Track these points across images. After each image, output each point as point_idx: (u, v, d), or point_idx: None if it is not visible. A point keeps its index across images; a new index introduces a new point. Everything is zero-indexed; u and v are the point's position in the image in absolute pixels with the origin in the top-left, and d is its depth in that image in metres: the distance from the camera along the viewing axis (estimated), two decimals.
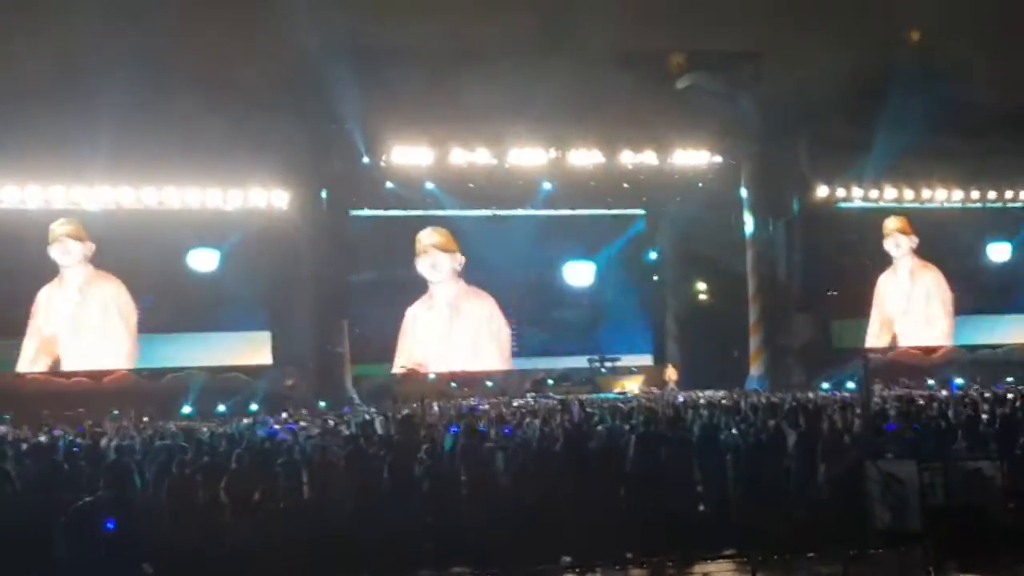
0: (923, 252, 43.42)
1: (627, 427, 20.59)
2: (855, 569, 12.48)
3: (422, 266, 40.89)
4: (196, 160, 34.61)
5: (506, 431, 20.22)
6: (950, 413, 21.58)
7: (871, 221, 42.58)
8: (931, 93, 35.03)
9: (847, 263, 42.02)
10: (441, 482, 17.29)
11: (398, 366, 40.06)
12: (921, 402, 24.86)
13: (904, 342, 42.91)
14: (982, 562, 14.90)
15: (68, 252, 36.47)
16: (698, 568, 14.96)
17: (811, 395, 31.95)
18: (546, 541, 15.52)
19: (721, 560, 15.17)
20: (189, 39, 32.50)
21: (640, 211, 42.97)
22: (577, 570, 14.86)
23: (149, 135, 32.82)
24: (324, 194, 36.73)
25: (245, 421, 26.37)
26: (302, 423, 25.44)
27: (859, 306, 42.42)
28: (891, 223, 43.18)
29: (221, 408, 33.53)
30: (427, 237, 40.85)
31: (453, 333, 41.15)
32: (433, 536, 16.05)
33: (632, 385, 38.58)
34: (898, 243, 43.39)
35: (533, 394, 37.17)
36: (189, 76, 32.81)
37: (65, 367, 36.17)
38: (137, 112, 31.98)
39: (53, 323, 36.35)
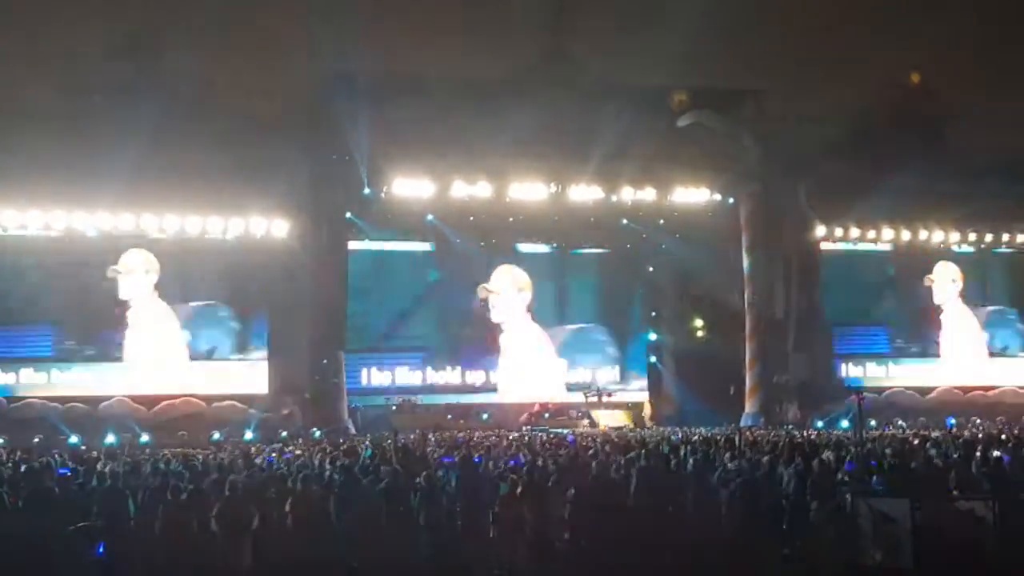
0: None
1: (622, 460, 20.62)
2: None
3: (495, 304, 41.28)
4: (198, 189, 34.66)
5: (513, 463, 20.24)
6: (933, 452, 21.55)
7: (870, 261, 42.60)
8: (929, 136, 35.23)
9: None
10: (438, 512, 17.34)
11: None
12: (916, 442, 24.85)
13: (947, 382, 43.08)
14: None
15: (137, 284, 36.84)
16: None
17: (806, 433, 31.97)
18: (539, 569, 15.53)
19: None
20: (194, 71, 32.67)
21: (638, 247, 42.91)
22: None
23: (153, 165, 32.87)
24: (324, 224, 36.64)
25: (240, 448, 26.29)
26: (297, 451, 25.42)
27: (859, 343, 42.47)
28: (942, 268, 43.48)
29: (216, 435, 33.53)
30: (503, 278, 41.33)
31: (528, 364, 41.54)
32: (432, 566, 16.05)
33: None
34: (945, 288, 43.61)
35: (529, 427, 37.20)
36: (192, 107, 32.99)
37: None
38: (142, 142, 32.09)
39: None
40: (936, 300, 43.84)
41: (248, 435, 33.30)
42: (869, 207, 40.01)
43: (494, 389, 41.05)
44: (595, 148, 36.02)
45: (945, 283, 43.89)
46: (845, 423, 35.73)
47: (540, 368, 41.48)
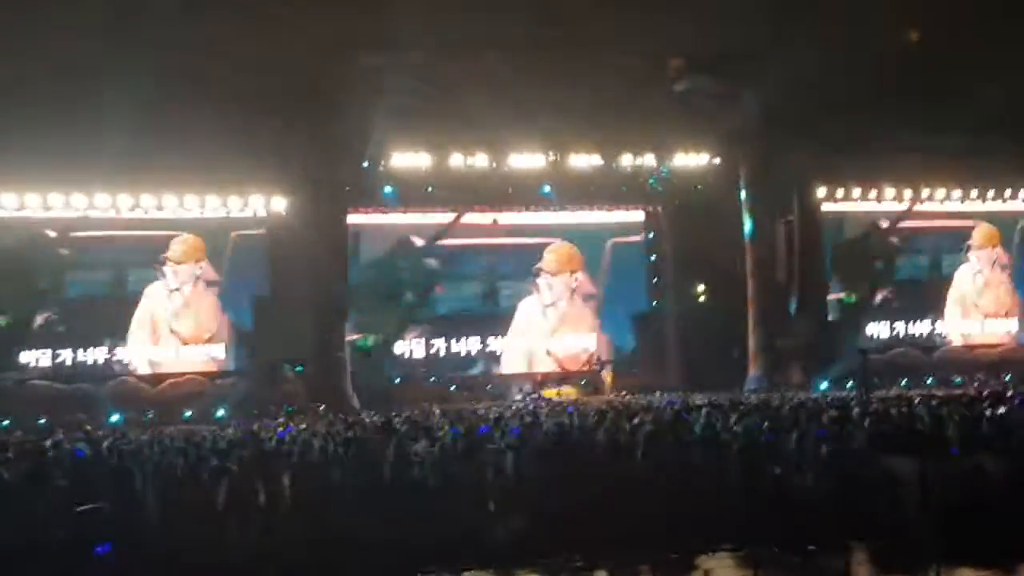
0: None
1: (628, 427, 20.64)
2: (856, 565, 12.46)
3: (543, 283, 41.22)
4: (194, 166, 34.56)
5: (514, 432, 20.25)
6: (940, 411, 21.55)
7: (870, 221, 42.50)
8: (930, 91, 35.07)
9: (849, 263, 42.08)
10: (444, 483, 17.36)
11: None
12: (917, 400, 24.85)
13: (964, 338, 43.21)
14: (983, 558, 14.92)
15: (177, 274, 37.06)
16: (700, 562, 14.95)
17: (811, 395, 31.99)
18: (551, 540, 15.53)
19: (722, 554, 15.15)
20: (188, 44, 32.45)
21: (639, 214, 42.79)
22: (581, 567, 14.84)
23: (148, 142, 32.71)
24: (322, 199, 36.55)
25: (243, 425, 26.31)
26: (302, 426, 25.43)
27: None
28: (981, 233, 43.44)
29: (220, 412, 33.61)
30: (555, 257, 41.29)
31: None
32: (436, 536, 16.04)
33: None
34: (985, 254, 43.70)
35: (533, 395, 37.25)
36: (186, 82, 32.81)
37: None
38: (135, 119, 31.96)
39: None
40: (974, 263, 43.58)
41: (252, 411, 33.34)
42: (871, 167, 39.88)
43: (497, 361, 40.90)
44: (593, 114, 35.87)
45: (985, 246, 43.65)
46: (850, 384, 35.71)
47: (545, 340, 41.28)
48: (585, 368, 40.83)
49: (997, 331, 43.63)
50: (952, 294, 43.38)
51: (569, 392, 38.15)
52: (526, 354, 41.11)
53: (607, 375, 39.74)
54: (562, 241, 41.51)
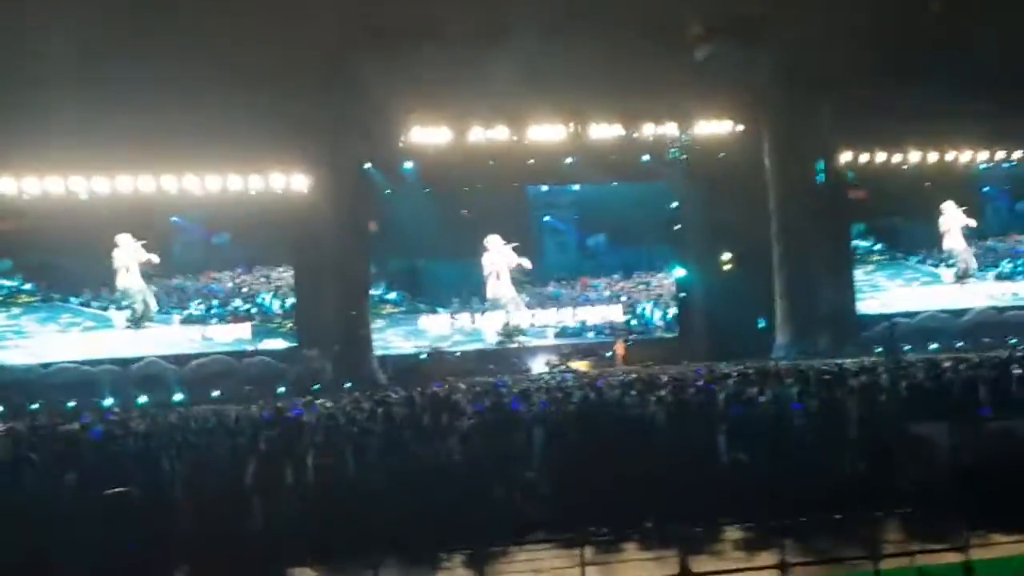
0: None
1: (653, 398, 20.57)
2: (885, 531, 12.38)
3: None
4: (216, 146, 34.58)
5: (543, 405, 20.22)
6: (969, 374, 21.38)
7: (898, 183, 42.15)
8: (953, 51, 34.73)
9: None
10: (470, 458, 17.34)
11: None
12: (947, 364, 24.67)
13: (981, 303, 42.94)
14: (1013, 522, 14.79)
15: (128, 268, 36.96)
16: (727, 534, 14.88)
17: (838, 361, 31.81)
18: (578, 513, 15.47)
19: (747, 524, 15.07)
20: (210, 22, 32.41)
21: (662, 183, 42.64)
22: (606, 538, 14.78)
23: (170, 122, 32.77)
24: (345, 175, 36.51)
25: (273, 404, 26.32)
26: (327, 404, 25.46)
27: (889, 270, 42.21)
28: (949, 208, 43.16)
29: (248, 390, 33.71)
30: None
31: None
32: (462, 512, 16.02)
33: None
34: (953, 226, 43.29)
35: (560, 368, 37.21)
36: (208, 61, 32.76)
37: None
38: (158, 98, 32.05)
39: None
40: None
41: (280, 390, 33.45)
42: (895, 129, 39.55)
43: (522, 334, 40.88)
44: (614, 84, 35.69)
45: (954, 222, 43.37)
46: (879, 350, 35.53)
47: (563, 312, 41.24)
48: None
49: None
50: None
51: (581, 365, 38.00)
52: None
53: (620, 348, 39.53)
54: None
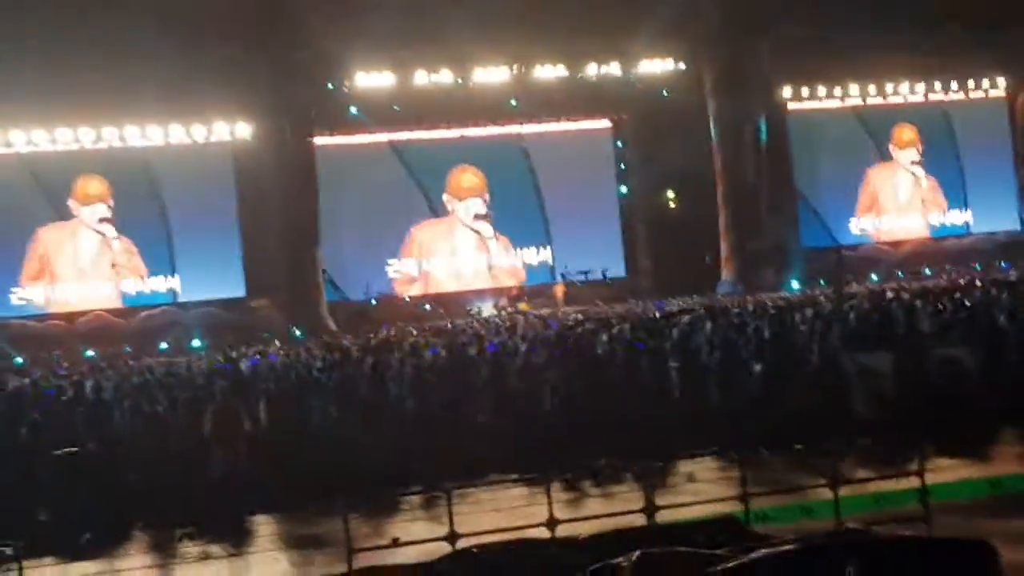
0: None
1: (606, 337, 20.77)
2: (841, 460, 12.62)
3: (455, 207, 40.99)
4: (156, 96, 34.12)
5: (490, 348, 20.34)
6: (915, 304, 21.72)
7: (835, 119, 42.51)
8: None
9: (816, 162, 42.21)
10: (425, 401, 17.47)
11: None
12: (890, 295, 25.05)
13: (887, 236, 43.38)
14: (963, 446, 15.14)
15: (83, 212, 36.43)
16: (682, 467, 15.10)
17: (784, 295, 32.19)
18: (534, 452, 15.63)
19: (706, 458, 15.29)
20: None
21: (606, 123, 42.66)
22: (567, 477, 14.95)
23: (107, 72, 32.36)
24: (288, 123, 36.24)
25: (224, 353, 26.29)
26: (280, 352, 25.50)
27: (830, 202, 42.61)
28: (899, 132, 43.40)
29: (196, 343, 33.57)
30: (464, 180, 40.92)
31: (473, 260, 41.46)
32: (420, 454, 16.16)
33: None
34: (904, 152, 43.63)
35: (509, 310, 37.30)
36: (146, 8, 32.38)
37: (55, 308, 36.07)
38: (94, 49, 31.61)
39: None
40: (897, 161, 43.81)
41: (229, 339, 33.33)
42: (834, 65, 39.81)
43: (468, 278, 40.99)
44: (557, 25, 35.60)
45: (904, 148, 43.75)
46: (822, 282, 35.90)
47: (511, 257, 41.36)
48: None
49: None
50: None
51: (528, 308, 38.03)
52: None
53: (559, 289, 39.55)
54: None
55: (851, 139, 42.86)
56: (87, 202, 36.37)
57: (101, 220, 36.55)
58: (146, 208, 36.77)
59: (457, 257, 41.21)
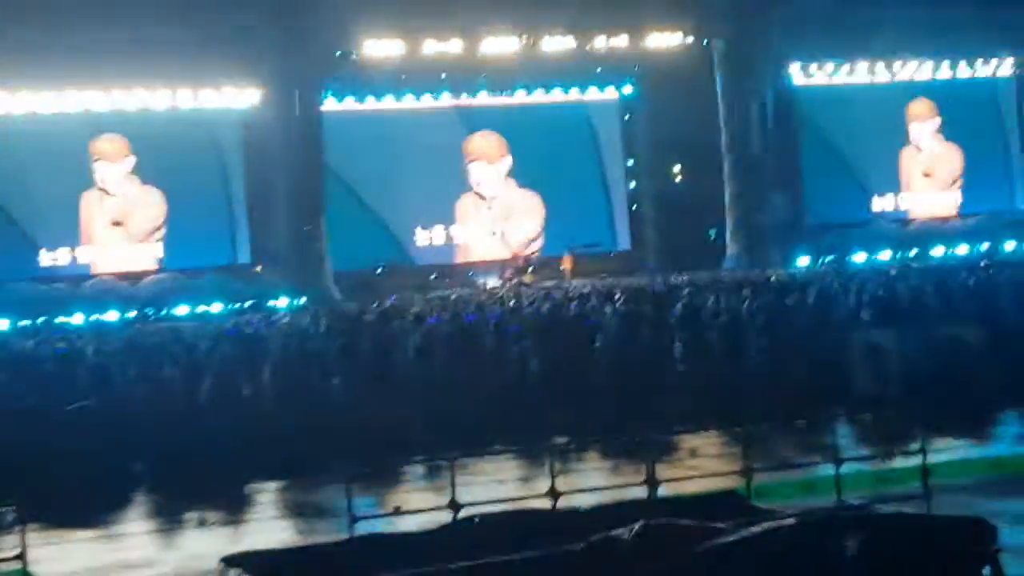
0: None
1: (609, 309, 20.78)
2: (844, 437, 12.66)
3: (472, 172, 40.87)
4: (165, 61, 34.09)
5: (492, 318, 20.36)
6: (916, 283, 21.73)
7: (845, 96, 42.28)
8: None
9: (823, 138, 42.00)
10: (428, 370, 17.50)
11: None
12: (893, 272, 25.05)
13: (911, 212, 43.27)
14: (965, 425, 15.15)
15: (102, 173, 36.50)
16: (686, 442, 15.11)
17: (789, 271, 32.17)
18: (538, 424, 15.67)
19: (708, 433, 15.31)
20: None
21: (613, 96, 42.54)
22: (568, 446, 14.97)
23: (116, 38, 32.30)
24: (296, 90, 36.19)
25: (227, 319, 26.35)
26: (285, 320, 25.52)
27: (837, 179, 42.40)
28: (915, 107, 43.19)
29: (201, 308, 33.57)
30: (478, 145, 40.78)
31: (504, 228, 41.31)
32: (424, 423, 16.19)
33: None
34: (922, 127, 43.42)
35: (514, 281, 37.25)
36: None
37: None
38: (103, 15, 31.53)
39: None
40: (912, 138, 43.57)
41: (235, 305, 33.36)
42: (844, 42, 39.64)
43: (470, 251, 40.96)
44: None
45: (923, 121, 43.53)
46: (829, 258, 35.90)
47: (522, 231, 41.26)
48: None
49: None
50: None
51: (533, 279, 37.99)
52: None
53: (567, 261, 39.47)
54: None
55: (862, 115, 42.57)
56: (111, 159, 36.52)
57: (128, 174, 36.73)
58: (154, 172, 36.76)
59: (469, 226, 41.22)
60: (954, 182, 43.87)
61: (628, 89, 42.10)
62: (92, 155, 36.37)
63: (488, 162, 40.96)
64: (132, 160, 36.52)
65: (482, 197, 41.10)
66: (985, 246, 39.60)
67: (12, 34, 31.32)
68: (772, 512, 8.71)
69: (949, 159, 43.74)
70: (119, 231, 36.92)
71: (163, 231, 37.11)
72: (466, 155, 40.94)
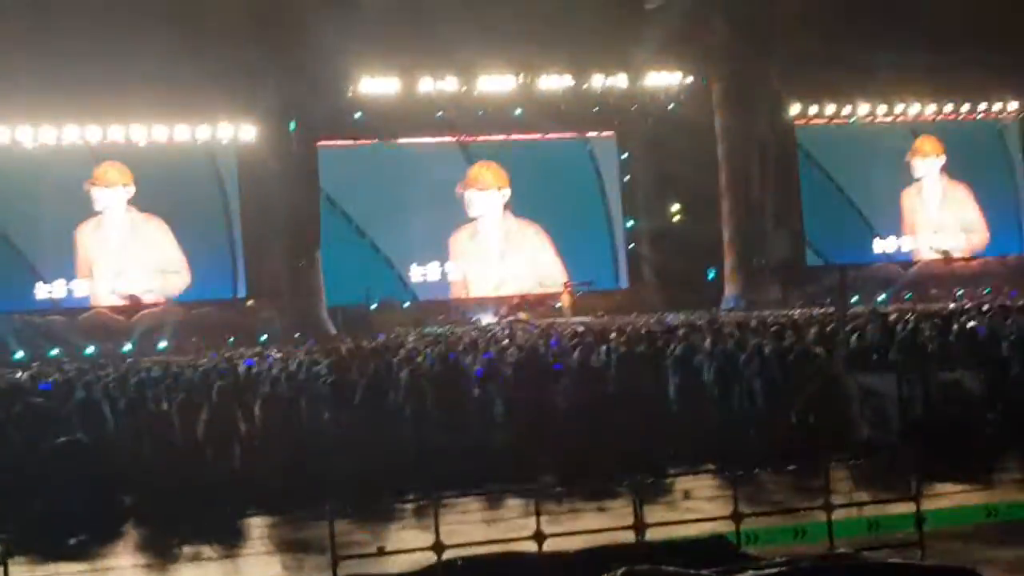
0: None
1: (605, 348, 20.62)
2: (837, 482, 12.50)
3: (471, 200, 40.86)
4: (163, 97, 34.22)
5: (486, 356, 20.22)
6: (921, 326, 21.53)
7: (845, 137, 42.27)
8: (903, 5, 34.86)
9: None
10: (418, 408, 17.35)
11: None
12: (893, 315, 24.88)
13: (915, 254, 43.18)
14: (962, 471, 14.98)
15: (103, 200, 36.50)
16: (679, 484, 14.96)
17: (788, 312, 32.00)
18: (528, 464, 15.54)
19: (702, 475, 15.17)
20: None
21: (611, 134, 42.57)
22: (558, 490, 14.84)
23: (114, 72, 32.37)
24: (292, 126, 36.24)
25: (222, 355, 26.20)
26: (278, 355, 25.38)
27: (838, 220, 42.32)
28: (920, 143, 43.15)
29: (194, 342, 33.46)
30: (477, 174, 40.84)
31: (502, 260, 41.30)
32: (414, 461, 16.07)
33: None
34: (923, 165, 43.34)
35: (509, 319, 37.11)
36: (155, 10, 32.42)
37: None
38: (103, 48, 31.63)
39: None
40: (917, 175, 43.50)
41: (229, 340, 33.26)
42: (844, 83, 39.70)
43: (469, 286, 40.87)
44: (564, 35, 35.55)
45: (927, 157, 43.47)
46: (828, 300, 35.71)
47: (521, 263, 41.18)
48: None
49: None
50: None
51: (528, 316, 37.84)
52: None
53: (566, 298, 39.34)
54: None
55: (861, 155, 42.54)
56: (111, 185, 36.55)
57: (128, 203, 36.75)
58: (151, 206, 36.73)
59: (465, 261, 41.13)
60: (959, 223, 43.71)
61: (627, 128, 42.14)
62: (92, 181, 36.39)
63: (486, 190, 40.98)
64: (132, 189, 36.51)
65: (479, 229, 41.05)
66: (988, 289, 39.51)
67: (12, 69, 31.40)
68: (759, 560, 8.56)
69: (954, 198, 43.66)
70: (116, 262, 36.78)
71: (162, 264, 36.93)
72: (465, 183, 40.92)
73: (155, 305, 36.33)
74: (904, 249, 43.08)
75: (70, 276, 36.26)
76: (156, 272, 37.06)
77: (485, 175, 41.04)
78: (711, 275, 40.24)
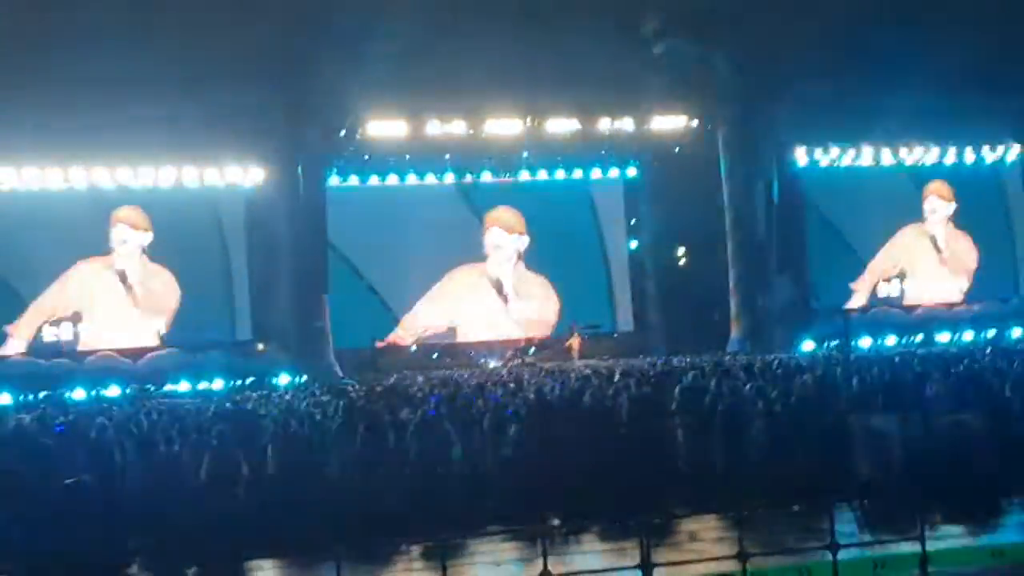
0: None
1: (611, 391, 20.68)
2: (841, 522, 12.52)
3: (495, 238, 41.15)
4: (170, 140, 34.35)
5: (494, 399, 20.26)
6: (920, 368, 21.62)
7: (851, 181, 42.33)
8: (907, 51, 35.00)
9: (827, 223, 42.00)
10: (426, 450, 17.37)
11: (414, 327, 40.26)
12: (897, 358, 24.96)
13: (916, 298, 42.88)
14: (965, 512, 14.99)
15: (124, 240, 36.57)
16: (683, 525, 14.97)
17: (793, 355, 32.07)
18: (532, 502, 15.54)
19: (706, 516, 15.17)
20: (160, 14, 32.21)
21: (617, 177, 42.73)
22: (564, 530, 14.85)
23: (120, 117, 32.53)
24: (300, 168, 36.41)
25: (228, 397, 26.29)
26: (286, 397, 25.44)
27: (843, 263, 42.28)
28: (932, 187, 43.20)
29: (202, 385, 33.54)
30: (501, 215, 41.15)
31: (509, 303, 41.47)
32: (418, 504, 16.06)
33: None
34: (935, 208, 43.36)
35: (516, 361, 37.16)
36: (161, 52, 32.58)
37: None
38: (108, 91, 31.78)
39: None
40: (927, 218, 43.47)
41: (235, 383, 33.34)
42: (849, 127, 39.84)
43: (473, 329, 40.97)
44: (571, 78, 35.77)
45: (936, 202, 43.51)
46: (832, 343, 35.81)
47: (527, 308, 41.31)
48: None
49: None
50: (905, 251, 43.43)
51: (531, 360, 37.88)
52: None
53: (574, 341, 39.36)
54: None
55: (868, 198, 42.52)
56: (136, 227, 36.71)
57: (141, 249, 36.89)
58: (158, 249, 36.82)
59: (475, 305, 41.24)
60: (964, 269, 43.69)
61: (632, 171, 42.39)
62: (114, 221, 36.47)
63: (512, 233, 41.18)
64: (150, 236, 36.63)
65: (489, 272, 41.22)
66: (991, 333, 39.60)
67: (18, 112, 31.60)
68: None
69: (960, 246, 43.68)
70: (125, 306, 36.88)
71: (171, 309, 37.00)
72: (488, 221, 41.10)
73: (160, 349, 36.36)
74: (907, 293, 42.91)
75: (76, 319, 36.24)
76: (161, 317, 37.02)
77: (510, 218, 41.28)
78: (716, 318, 40.13)
